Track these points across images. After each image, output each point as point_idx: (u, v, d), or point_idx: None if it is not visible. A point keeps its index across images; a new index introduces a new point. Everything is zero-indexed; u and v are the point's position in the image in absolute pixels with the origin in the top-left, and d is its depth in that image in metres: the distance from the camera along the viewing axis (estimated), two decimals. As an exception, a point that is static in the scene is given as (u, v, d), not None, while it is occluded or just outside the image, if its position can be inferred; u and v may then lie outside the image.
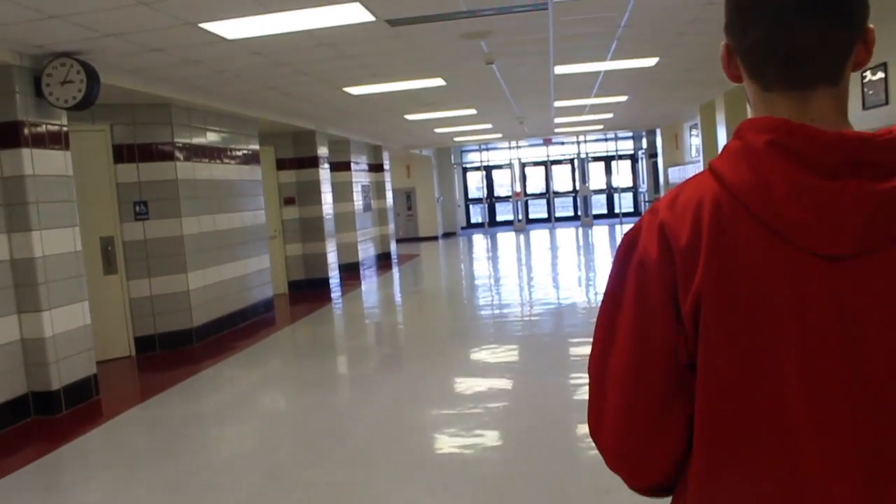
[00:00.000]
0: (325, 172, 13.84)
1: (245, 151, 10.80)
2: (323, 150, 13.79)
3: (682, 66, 9.42)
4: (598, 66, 9.21)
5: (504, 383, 6.75)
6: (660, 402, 1.05)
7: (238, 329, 10.05)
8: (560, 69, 9.19)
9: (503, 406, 6.02)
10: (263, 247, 11.31)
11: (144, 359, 8.57)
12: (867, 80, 8.30)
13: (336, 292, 13.63)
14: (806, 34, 1.01)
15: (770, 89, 1.06)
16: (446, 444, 5.23)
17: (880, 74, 8.03)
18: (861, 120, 8.33)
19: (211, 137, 9.74)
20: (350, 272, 15.89)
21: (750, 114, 1.12)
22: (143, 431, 6.25)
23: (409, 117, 13.36)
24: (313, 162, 13.50)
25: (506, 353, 8.05)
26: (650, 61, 9.05)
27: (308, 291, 13.55)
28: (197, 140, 9.35)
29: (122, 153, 8.48)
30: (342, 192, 15.84)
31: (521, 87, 10.69)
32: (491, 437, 5.32)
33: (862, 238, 0.95)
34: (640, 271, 1.05)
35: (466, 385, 6.86)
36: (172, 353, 8.74)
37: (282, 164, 13.41)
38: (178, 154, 8.85)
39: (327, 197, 13.92)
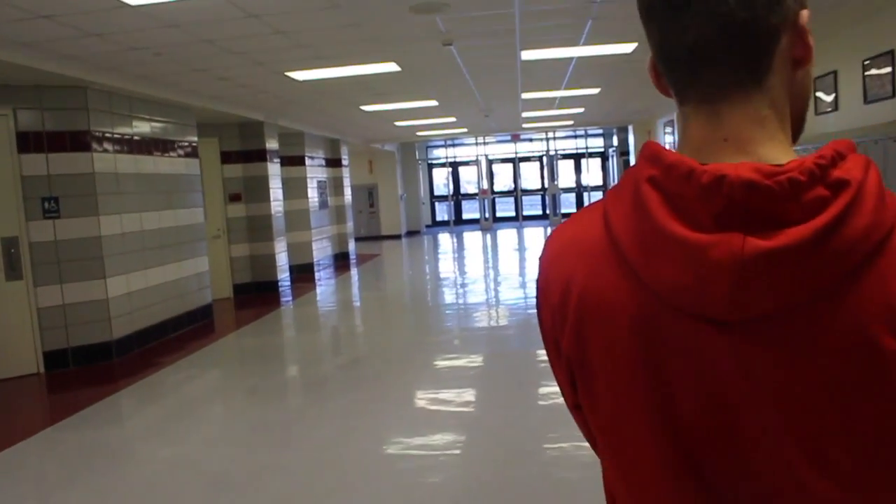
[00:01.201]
0: (274, 167, 12.82)
1: (180, 143, 9.76)
2: (272, 143, 12.76)
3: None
4: (569, 52, 8.30)
5: (467, 399, 5.87)
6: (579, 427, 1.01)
7: (169, 340, 9.02)
8: (528, 54, 8.27)
9: (464, 434, 5.11)
10: (201, 248, 10.27)
11: (54, 376, 7.53)
12: (870, 73, 7.58)
13: (286, 296, 12.64)
14: (703, 25, 0.81)
15: (684, 102, 0.89)
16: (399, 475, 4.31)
17: (887, 69, 7.25)
18: (865, 114, 7.62)
19: (138, 126, 8.69)
20: (304, 273, 14.90)
21: None
22: (42, 461, 5.27)
23: (365, 108, 12.39)
24: (261, 155, 12.47)
25: (469, 365, 7.17)
26: (628, 47, 8.17)
27: (255, 295, 12.53)
28: (120, 129, 8.29)
29: (29, 142, 7.41)
30: (296, 189, 14.86)
31: (485, 76, 9.77)
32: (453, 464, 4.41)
33: (734, 305, 0.77)
34: (538, 312, 0.98)
35: (425, 403, 6.14)
36: (88, 369, 7.71)
37: (227, 158, 12.36)
38: (95, 144, 7.79)
39: (277, 193, 12.90)
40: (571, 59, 8.76)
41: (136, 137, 8.63)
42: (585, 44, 7.80)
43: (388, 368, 7.50)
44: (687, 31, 0.83)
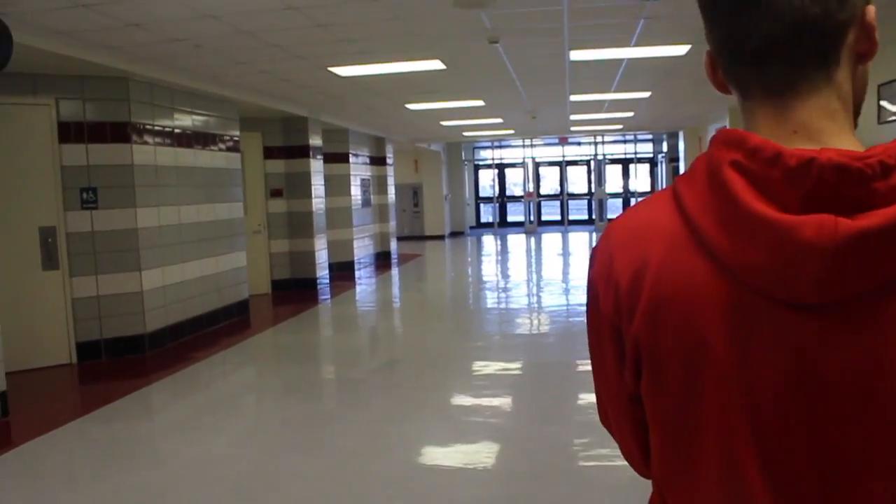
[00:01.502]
0: (317, 163, 12.72)
1: (222, 136, 9.68)
2: (315, 139, 12.66)
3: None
4: (620, 53, 8.03)
5: (503, 409, 5.66)
6: (627, 426, 1.00)
7: (204, 335, 8.95)
8: (576, 55, 8.02)
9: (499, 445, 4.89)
10: (240, 243, 10.20)
11: (87, 367, 7.48)
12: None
13: (325, 294, 12.54)
14: (774, 22, 0.82)
15: (748, 97, 0.89)
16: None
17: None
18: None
19: (179, 119, 8.63)
20: (344, 271, 14.81)
21: None
22: (69, 454, 5.22)
23: (411, 107, 12.22)
24: (304, 151, 12.38)
25: (506, 373, 6.96)
26: (681, 49, 7.86)
27: (293, 292, 12.45)
28: (161, 121, 8.23)
29: (70, 132, 7.37)
30: (339, 186, 14.77)
31: (532, 76, 9.53)
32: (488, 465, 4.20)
33: (825, 286, 0.77)
34: (594, 301, 0.97)
35: (459, 412, 5.96)
36: (120, 361, 7.66)
37: (270, 153, 12.29)
38: (135, 136, 7.73)
39: (319, 190, 12.80)
40: (622, 60, 8.49)
41: (176, 130, 8.56)
42: (637, 45, 7.53)
43: (423, 373, 7.31)
44: (758, 27, 0.83)
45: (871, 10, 0.86)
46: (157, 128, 8.13)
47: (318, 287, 12.74)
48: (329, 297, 12.41)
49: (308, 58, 7.63)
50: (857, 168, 0.77)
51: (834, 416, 0.80)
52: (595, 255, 0.98)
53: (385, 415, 5.88)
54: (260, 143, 12.19)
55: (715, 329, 0.84)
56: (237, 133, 10.17)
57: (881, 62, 7.91)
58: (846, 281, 0.77)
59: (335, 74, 8.60)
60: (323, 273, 12.98)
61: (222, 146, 9.68)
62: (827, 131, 0.85)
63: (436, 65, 8.23)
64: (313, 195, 12.51)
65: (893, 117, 8.08)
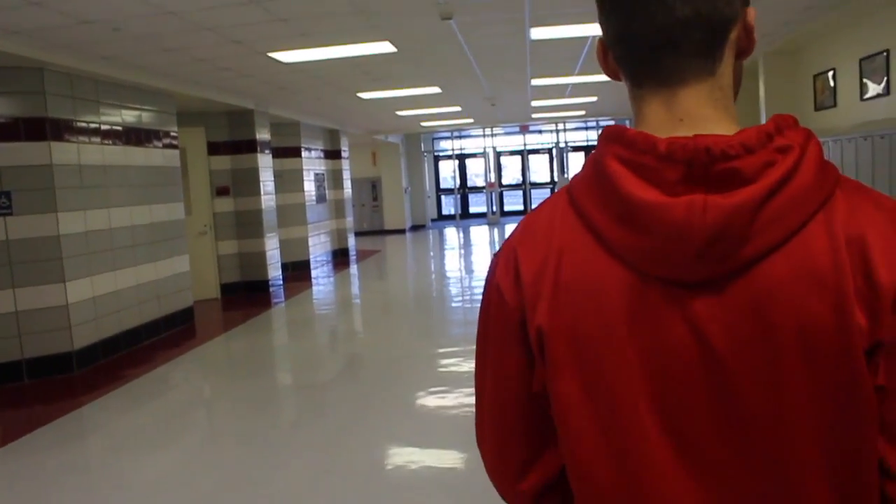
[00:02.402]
0: (265, 158, 11.97)
1: (157, 132, 8.91)
2: (263, 133, 11.91)
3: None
4: (585, 30, 7.43)
5: (471, 408, 5.06)
6: (517, 431, 1.01)
7: (142, 348, 8.21)
8: (538, 32, 7.40)
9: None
10: (181, 245, 9.44)
11: (6, 391, 6.72)
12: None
13: (278, 297, 11.82)
14: (668, 16, 0.88)
15: (640, 86, 0.95)
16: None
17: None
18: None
19: (106, 113, 7.85)
20: (299, 271, 14.10)
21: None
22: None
23: (363, 96, 11.52)
24: (251, 146, 11.63)
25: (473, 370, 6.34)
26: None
27: (245, 295, 11.71)
28: (84, 116, 7.46)
29: (-24, 130, 6.60)
30: (291, 181, 14.05)
31: (490, 58, 8.89)
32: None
33: (705, 264, 0.84)
34: (497, 298, 1.00)
35: (426, 414, 5.67)
36: (45, 382, 6.90)
37: (214, 149, 11.51)
38: (54, 133, 6.96)
39: (268, 186, 12.05)
40: (587, 38, 7.88)
41: (104, 126, 7.79)
42: (603, 20, 6.93)
43: (386, 375, 6.82)
44: (653, 20, 0.88)
45: (752, 11, 0.93)
46: (80, 123, 7.35)
47: (271, 289, 12.01)
48: (283, 299, 11.71)
49: (245, 42, 6.92)
50: (720, 149, 0.83)
51: (730, 384, 0.85)
52: (498, 256, 1.02)
53: (346, 422, 5.48)
54: (203, 139, 11.42)
55: (614, 310, 0.89)
56: (175, 128, 9.40)
57: (861, 35, 7.47)
58: (719, 257, 0.83)
59: (277, 61, 7.89)
60: (275, 274, 12.26)
61: (158, 142, 8.91)
62: (711, 118, 0.91)
63: (385, 47, 7.55)
64: (262, 192, 11.76)
65: (879, 93, 7.73)
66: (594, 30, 7.41)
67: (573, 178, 0.98)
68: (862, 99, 7.49)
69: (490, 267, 1.03)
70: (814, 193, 0.84)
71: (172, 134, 9.30)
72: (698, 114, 0.90)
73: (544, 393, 0.96)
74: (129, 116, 8.28)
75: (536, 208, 1.02)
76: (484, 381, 1.05)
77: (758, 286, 0.83)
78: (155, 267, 8.70)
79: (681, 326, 0.86)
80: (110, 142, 7.88)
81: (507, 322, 0.98)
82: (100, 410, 6.14)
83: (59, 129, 7.02)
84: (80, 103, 7.37)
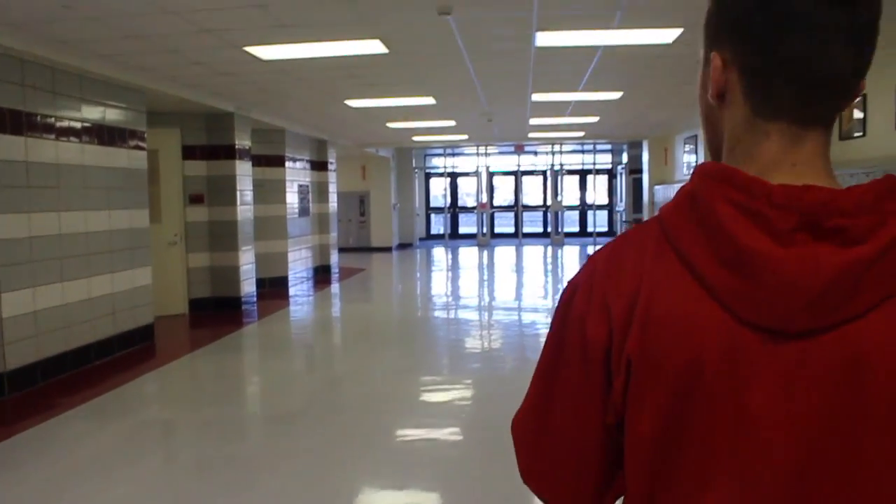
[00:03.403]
0: (244, 165, 11.19)
1: (122, 131, 8.11)
2: (243, 139, 11.14)
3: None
4: (597, 38, 6.70)
5: (452, 443, 4.51)
6: (594, 459, 1.00)
7: (90, 369, 7.38)
8: (545, 38, 6.67)
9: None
10: (143, 256, 8.62)
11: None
12: None
13: (251, 315, 11.01)
14: (840, 63, 0.87)
15: (768, 117, 0.91)
16: None
17: None
18: None
19: (63, 106, 7.05)
20: (276, 288, 13.29)
21: (706, 143, 1.05)
22: None
23: (352, 103, 10.76)
24: (229, 152, 10.85)
25: (457, 404, 5.65)
26: (670, 34, 6.57)
27: (215, 312, 10.89)
28: (36, 108, 6.66)
29: None
30: (273, 192, 13.28)
31: (490, 66, 8.15)
32: None
33: (809, 316, 0.84)
34: (578, 331, 0.97)
35: (404, 449, 5.24)
36: (-28, 407, 6.07)
37: (190, 153, 10.74)
38: (-4, 123, 6.17)
39: (246, 196, 11.27)
40: (597, 48, 7.16)
41: (59, 121, 6.99)
42: (620, 25, 6.20)
43: (364, 406, 6.27)
44: (835, 63, 0.87)
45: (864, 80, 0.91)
46: (29, 115, 6.56)
47: (244, 307, 11.19)
48: (256, 317, 10.91)
49: (216, 32, 6.16)
50: (836, 206, 0.83)
51: (810, 438, 0.85)
52: (576, 287, 1.00)
53: (319, 457, 5.05)
54: (178, 141, 10.65)
55: (705, 352, 0.88)
56: (144, 128, 8.60)
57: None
58: (824, 312, 0.83)
59: (256, 57, 7.13)
60: (249, 290, 11.44)
61: (123, 142, 8.11)
62: (817, 168, 0.91)
63: (376, 46, 6.80)
64: (239, 202, 10.97)
65: (857, 133, 7.26)
66: (605, 38, 6.71)
67: (664, 212, 0.96)
68: (897, 128, 6.79)
69: (563, 301, 1.01)
70: None
71: (140, 133, 8.50)
72: (811, 162, 0.91)
73: (617, 424, 0.96)
74: (89, 112, 7.48)
75: (621, 240, 1.00)
76: (546, 422, 1.03)
77: (853, 343, 0.84)
78: (112, 279, 7.88)
79: (770, 374, 0.86)
80: (66, 138, 7.08)
81: (589, 356, 0.96)
82: (31, 441, 5.31)
83: (2, 120, 6.22)
84: (30, 92, 6.57)
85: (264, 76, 8.27)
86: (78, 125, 7.28)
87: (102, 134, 7.70)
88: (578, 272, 1.01)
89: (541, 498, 1.07)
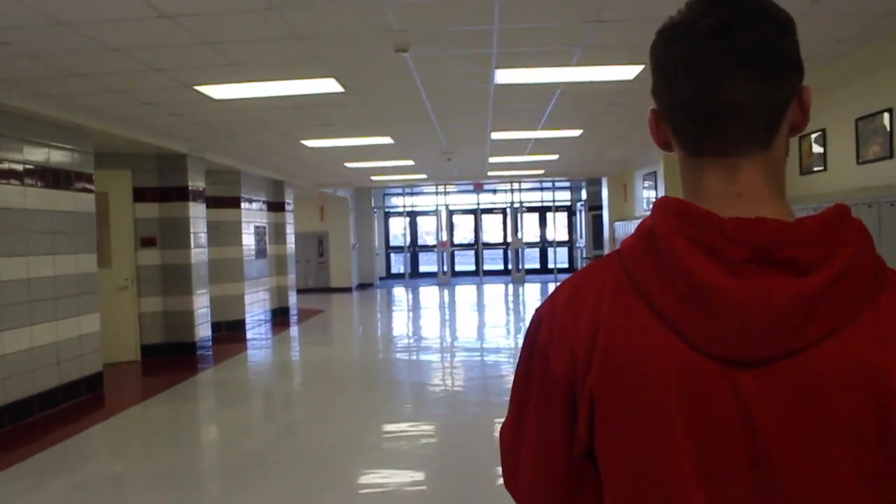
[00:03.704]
0: (198, 207, 10.89)
1: (68, 173, 7.81)
2: (197, 181, 10.86)
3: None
4: (557, 75, 6.60)
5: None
6: (556, 486, 1.03)
7: (32, 423, 6.99)
8: (504, 75, 6.56)
9: None
10: (91, 303, 8.26)
11: None
12: (865, 132, 6.25)
13: (207, 361, 10.64)
14: (733, 89, 0.92)
15: (697, 154, 0.98)
16: None
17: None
18: (858, 174, 6.49)
19: (1, 147, 6.76)
20: (233, 332, 12.93)
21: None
22: None
23: (308, 143, 10.57)
24: (182, 194, 10.56)
25: (419, 451, 5.30)
26: (630, 71, 6.50)
27: (168, 359, 10.51)
28: (-26, 149, 6.37)
29: None
30: (228, 234, 12.97)
31: (449, 104, 8.03)
32: None
33: (763, 345, 0.88)
34: (542, 364, 1.01)
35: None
36: None
37: (141, 195, 10.43)
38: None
39: (200, 238, 10.96)
40: (557, 85, 7.06)
41: (-1, 162, 6.69)
42: (581, 63, 6.11)
43: (322, 453, 6.04)
44: (722, 91, 0.92)
45: (809, 90, 0.97)
46: (-34, 158, 6.26)
47: (199, 352, 10.82)
48: (212, 363, 10.54)
49: (166, 71, 5.94)
50: (787, 237, 0.88)
51: (773, 461, 0.88)
52: (539, 321, 1.03)
53: None
54: (129, 183, 10.35)
55: (665, 382, 0.90)
56: (91, 169, 8.30)
57: (857, 93, 6.79)
58: (777, 341, 0.86)
59: (207, 97, 6.92)
60: (204, 335, 11.08)
61: (69, 185, 7.81)
62: (765, 195, 0.94)
63: (331, 85, 6.63)
64: (193, 244, 10.66)
65: (818, 167, 7.32)
66: (565, 75, 6.61)
67: (624, 246, 0.99)
68: (859, 162, 6.76)
69: (531, 330, 1.05)
70: (868, 287, 0.88)
71: (87, 176, 8.20)
72: (755, 190, 0.94)
73: (583, 455, 0.99)
74: (32, 153, 7.18)
75: (582, 273, 1.04)
76: (521, 439, 1.06)
77: (807, 370, 0.87)
78: (56, 327, 7.52)
79: (730, 402, 0.88)
80: (6, 181, 6.78)
81: (553, 387, 1.00)
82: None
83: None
84: (-33, 134, 6.29)
85: (217, 116, 8.05)
86: (19, 167, 6.97)
87: (46, 176, 7.40)
88: (544, 303, 1.05)
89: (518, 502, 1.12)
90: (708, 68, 0.91)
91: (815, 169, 7.60)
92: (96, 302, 8.39)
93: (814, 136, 7.63)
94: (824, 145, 7.43)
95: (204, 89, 6.61)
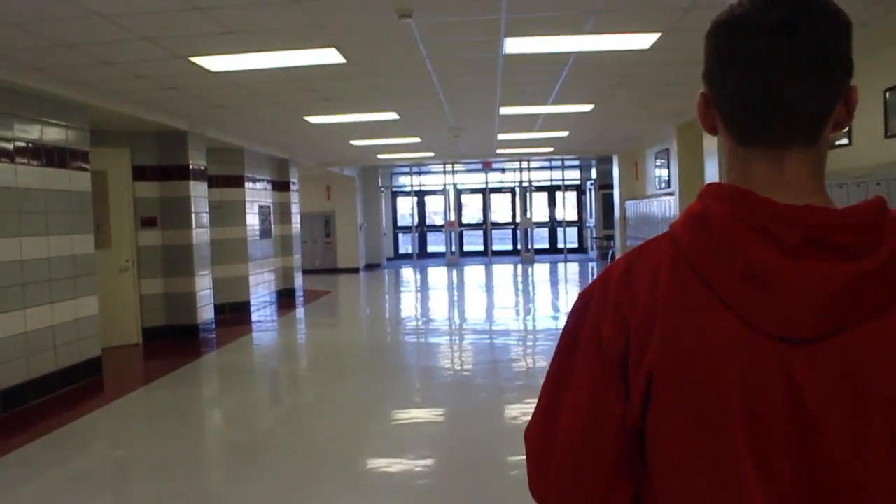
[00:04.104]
0: (199, 186, 10.63)
1: (63, 150, 7.54)
2: (198, 159, 10.59)
3: (684, 52, 6.51)
4: (569, 44, 6.28)
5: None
6: (608, 470, 1.03)
7: (28, 409, 6.78)
8: (514, 44, 6.24)
9: None
10: (89, 285, 8.02)
11: None
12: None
13: (210, 344, 10.42)
14: (788, 86, 0.95)
15: (746, 144, 1.02)
16: None
17: None
18: (886, 149, 6.13)
19: (-8, 123, 6.50)
20: (238, 313, 12.69)
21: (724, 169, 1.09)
22: None
23: (312, 119, 10.27)
24: (183, 172, 10.29)
25: (432, 438, 5.05)
26: (646, 40, 6.17)
27: (171, 342, 10.29)
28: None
29: None
30: (232, 214, 12.70)
31: (456, 76, 7.71)
32: None
33: (817, 323, 0.92)
34: (593, 340, 1.03)
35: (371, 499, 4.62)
36: None
37: (141, 174, 10.17)
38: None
39: (202, 218, 10.70)
40: (569, 55, 6.74)
41: (-13, 138, 6.43)
42: (594, 31, 5.79)
43: (332, 438, 5.89)
44: (780, 88, 0.95)
45: (856, 90, 0.99)
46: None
47: (202, 335, 10.60)
48: (215, 346, 10.32)
49: (158, 40, 5.65)
50: (838, 223, 0.92)
51: (825, 437, 0.91)
52: (589, 299, 1.05)
53: (284, 496, 4.68)
54: (128, 162, 10.08)
55: (724, 358, 0.94)
56: (87, 147, 8.03)
57: (886, 62, 6.45)
58: (833, 318, 0.91)
59: (204, 69, 6.63)
60: (207, 318, 10.84)
61: (63, 163, 7.54)
62: (810, 187, 0.98)
63: (332, 56, 6.33)
64: (194, 225, 10.40)
65: (843, 142, 6.96)
66: (578, 44, 6.29)
67: (677, 231, 1.01)
68: (887, 135, 6.43)
69: (578, 307, 1.07)
70: None
71: (83, 154, 7.93)
72: (801, 181, 0.98)
73: (635, 430, 1.01)
74: (23, 130, 6.90)
75: (635, 254, 1.05)
76: (556, 430, 1.05)
77: (854, 348, 0.91)
78: (52, 310, 7.28)
79: (781, 378, 0.92)
80: (-4, 158, 6.52)
81: (605, 363, 1.01)
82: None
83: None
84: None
85: (216, 90, 7.76)
86: (10, 145, 6.70)
87: (39, 154, 7.13)
88: (592, 283, 1.06)
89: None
90: (766, 64, 0.94)
91: (840, 143, 7.27)
92: (94, 284, 8.15)
93: (838, 107, 7.33)
94: (849, 118, 7.12)
95: (199, 61, 6.32)
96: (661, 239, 1.04)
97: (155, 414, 7.11)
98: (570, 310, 1.08)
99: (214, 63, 6.43)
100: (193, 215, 10.40)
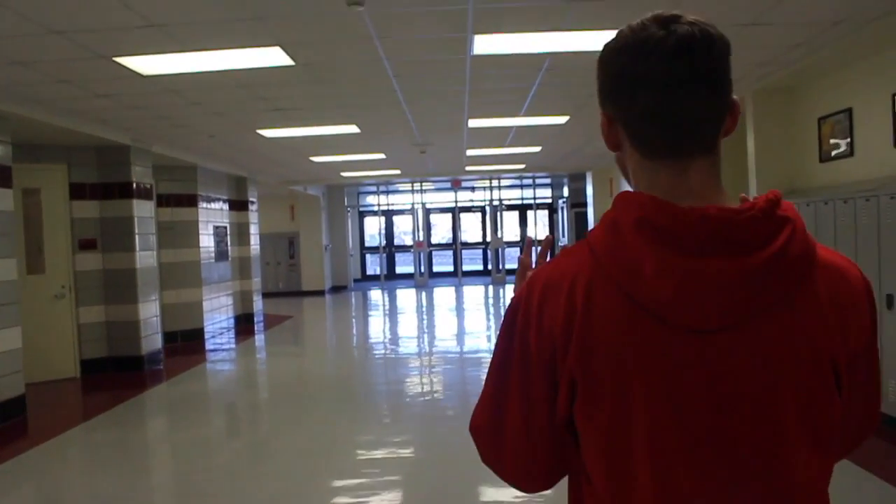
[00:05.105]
0: (143, 205, 9.81)
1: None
2: (143, 175, 9.78)
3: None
4: (545, 43, 5.61)
5: None
6: (544, 450, 1.16)
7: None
8: (483, 42, 5.55)
9: None
10: (11, 315, 7.17)
11: None
12: None
13: (157, 377, 9.58)
14: (691, 105, 1.07)
15: (653, 157, 1.11)
16: None
17: None
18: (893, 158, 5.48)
19: None
20: (191, 341, 11.85)
21: (629, 184, 1.17)
22: None
23: (265, 133, 9.52)
24: (126, 190, 9.48)
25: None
26: (630, 36, 5.51)
27: (113, 374, 9.45)
28: None
29: None
30: (184, 235, 11.91)
31: (420, 82, 7.00)
32: None
33: (724, 313, 1.02)
34: (522, 348, 1.12)
35: None
36: None
37: (79, 192, 9.34)
38: None
39: (147, 240, 9.88)
40: (545, 57, 6.07)
41: None
42: (573, 27, 5.12)
43: (293, 474, 5.38)
44: (687, 105, 1.07)
45: (738, 101, 1.12)
46: None
47: (147, 366, 9.75)
48: (163, 378, 9.48)
49: (69, 34, 4.88)
50: (737, 220, 1.03)
51: (736, 416, 1.04)
52: (518, 306, 1.15)
53: None
54: (65, 179, 9.27)
55: (636, 356, 1.04)
56: (8, 162, 7.19)
57: (891, 65, 5.85)
58: (737, 309, 1.02)
59: (133, 71, 5.87)
60: (153, 347, 9.99)
61: (-20, 179, 6.72)
62: (711, 189, 1.10)
63: (277, 56, 5.60)
64: (138, 247, 9.58)
65: (843, 153, 6.39)
66: (553, 43, 5.62)
67: (592, 237, 1.11)
68: (895, 144, 5.81)
69: (508, 317, 1.16)
70: (807, 257, 1.05)
71: (5, 169, 7.11)
72: (703, 187, 1.09)
73: (564, 424, 1.12)
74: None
75: (555, 260, 1.15)
76: (503, 416, 1.17)
77: (764, 335, 1.03)
78: (-36, 344, 6.45)
79: (701, 367, 1.03)
80: None
81: (534, 369, 1.11)
82: None
83: None
84: None
85: (153, 98, 7.00)
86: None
87: (-50, 169, 6.32)
88: (521, 290, 1.16)
89: (501, 478, 1.25)
90: (673, 85, 1.05)
91: (840, 155, 6.65)
92: (17, 314, 7.29)
93: (835, 117, 6.69)
94: (850, 127, 6.48)
95: (126, 62, 5.55)
96: (580, 246, 1.13)
97: (85, 459, 6.32)
98: (504, 314, 1.16)
99: (144, 65, 5.68)
100: (137, 237, 9.57)
